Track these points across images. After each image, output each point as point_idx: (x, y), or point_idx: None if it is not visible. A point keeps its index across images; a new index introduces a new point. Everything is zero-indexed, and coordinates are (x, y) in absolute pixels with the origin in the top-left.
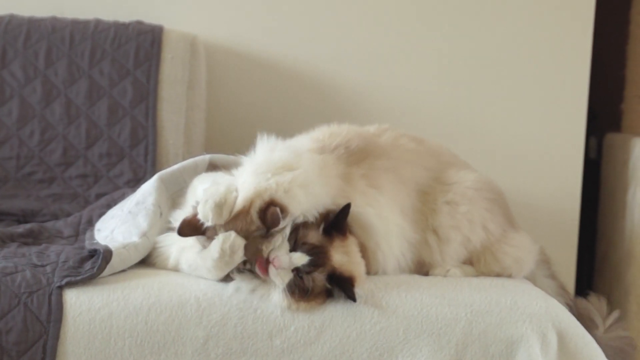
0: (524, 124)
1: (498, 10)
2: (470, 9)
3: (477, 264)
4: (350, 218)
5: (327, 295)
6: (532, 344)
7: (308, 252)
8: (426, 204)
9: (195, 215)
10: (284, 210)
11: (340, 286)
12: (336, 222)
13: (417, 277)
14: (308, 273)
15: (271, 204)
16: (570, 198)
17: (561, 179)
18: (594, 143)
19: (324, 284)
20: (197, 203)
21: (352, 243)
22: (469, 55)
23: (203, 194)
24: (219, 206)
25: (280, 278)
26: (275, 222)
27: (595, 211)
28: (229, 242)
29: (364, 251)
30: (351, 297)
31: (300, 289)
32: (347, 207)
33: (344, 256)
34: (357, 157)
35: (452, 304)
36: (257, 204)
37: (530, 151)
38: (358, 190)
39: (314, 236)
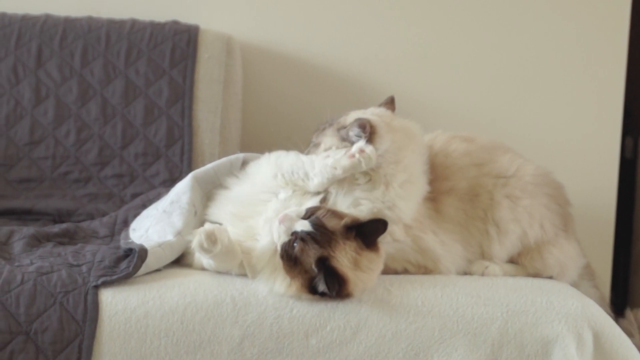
0: (559, 124)
1: (533, 10)
2: (505, 9)
3: (523, 258)
4: (413, 241)
5: (309, 283)
6: (567, 344)
7: (313, 225)
8: (480, 205)
9: None
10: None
11: (326, 274)
12: (361, 229)
13: (452, 277)
14: (303, 241)
15: None
16: (606, 198)
17: (597, 178)
18: (630, 143)
19: (311, 265)
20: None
21: (372, 259)
22: (504, 55)
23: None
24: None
25: (277, 234)
26: None
27: (631, 211)
28: (204, 242)
29: (419, 266)
30: (330, 287)
31: (289, 256)
32: (380, 223)
33: (350, 262)
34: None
35: (487, 303)
36: None
37: (566, 151)
38: (423, 213)
39: (332, 221)
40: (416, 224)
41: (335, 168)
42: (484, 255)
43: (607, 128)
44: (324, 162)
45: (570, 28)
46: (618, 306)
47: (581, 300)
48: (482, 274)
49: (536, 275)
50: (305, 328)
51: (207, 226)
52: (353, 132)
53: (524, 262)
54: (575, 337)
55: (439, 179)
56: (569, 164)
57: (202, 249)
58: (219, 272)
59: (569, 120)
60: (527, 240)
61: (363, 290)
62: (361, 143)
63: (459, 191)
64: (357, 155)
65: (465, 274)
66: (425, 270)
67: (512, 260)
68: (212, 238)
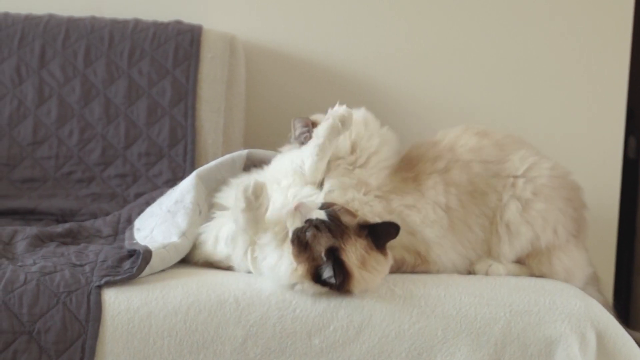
0: (563, 124)
1: (535, 10)
2: (507, 8)
3: (531, 260)
4: (399, 217)
5: (315, 270)
6: (571, 344)
7: (329, 216)
8: (489, 203)
9: None
10: None
11: (334, 264)
12: (373, 229)
13: (455, 276)
14: (316, 228)
15: None
16: (609, 198)
17: (600, 178)
18: (633, 142)
19: (320, 253)
20: None
21: (379, 261)
22: (506, 55)
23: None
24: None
25: (292, 220)
26: None
27: (634, 211)
28: (250, 188)
29: (420, 257)
30: (336, 276)
31: (300, 241)
32: (392, 227)
33: (358, 259)
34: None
35: (491, 303)
36: None
37: (569, 150)
38: (430, 202)
39: (346, 217)
40: (392, 195)
41: (318, 137)
42: (490, 253)
43: (610, 128)
44: (308, 143)
45: (572, 28)
46: (621, 306)
47: (584, 300)
48: (486, 273)
49: (540, 277)
50: (308, 328)
51: (259, 179)
52: (297, 130)
53: (530, 264)
54: (578, 337)
55: (447, 171)
56: (572, 163)
57: (245, 195)
58: (221, 271)
59: (572, 120)
60: (539, 244)
61: (365, 290)
62: (336, 107)
63: (456, 183)
64: (330, 118)
65: (469, 272)
66: (418, 255)
67: (518, 260)
68: (258, 192)
